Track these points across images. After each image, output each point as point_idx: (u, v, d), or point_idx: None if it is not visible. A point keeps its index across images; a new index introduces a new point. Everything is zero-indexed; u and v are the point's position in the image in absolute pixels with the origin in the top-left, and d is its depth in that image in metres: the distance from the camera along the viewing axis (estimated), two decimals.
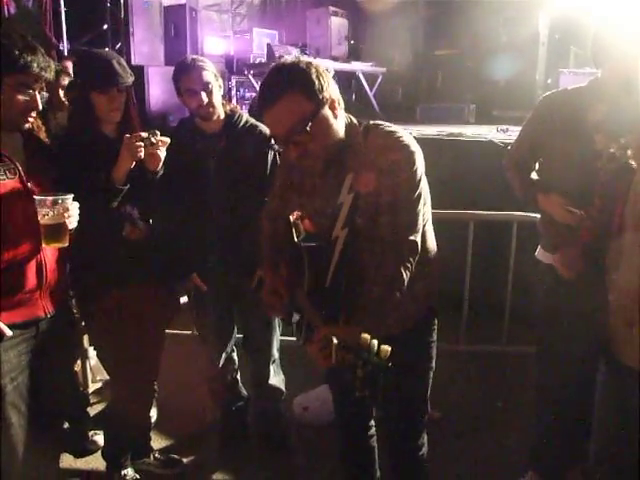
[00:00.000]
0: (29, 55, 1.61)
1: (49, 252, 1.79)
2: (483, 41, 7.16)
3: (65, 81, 3.01)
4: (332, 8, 7.98)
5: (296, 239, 1.66)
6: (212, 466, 2.62)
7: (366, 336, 1.22)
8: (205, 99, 2.25)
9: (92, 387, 3.12)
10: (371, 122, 1.65)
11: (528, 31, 6.50)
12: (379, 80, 7.98)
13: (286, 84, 1.46)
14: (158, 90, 6.11)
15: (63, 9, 6.58)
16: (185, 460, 2.62)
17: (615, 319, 1.57)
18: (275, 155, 2.41)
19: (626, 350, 1.56)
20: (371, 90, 7.69)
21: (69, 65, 4.12)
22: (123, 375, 2.23)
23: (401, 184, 1.54)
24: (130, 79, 2.04)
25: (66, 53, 6.48)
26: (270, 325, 2.57)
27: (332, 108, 1.52)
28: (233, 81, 7.89)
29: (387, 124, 1.64)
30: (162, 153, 2.03)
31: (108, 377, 2.47)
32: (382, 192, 1.54)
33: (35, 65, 1.62)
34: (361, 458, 2.11)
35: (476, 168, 3.91)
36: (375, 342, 1.21)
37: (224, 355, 2.62)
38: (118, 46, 7.16)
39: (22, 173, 1.72)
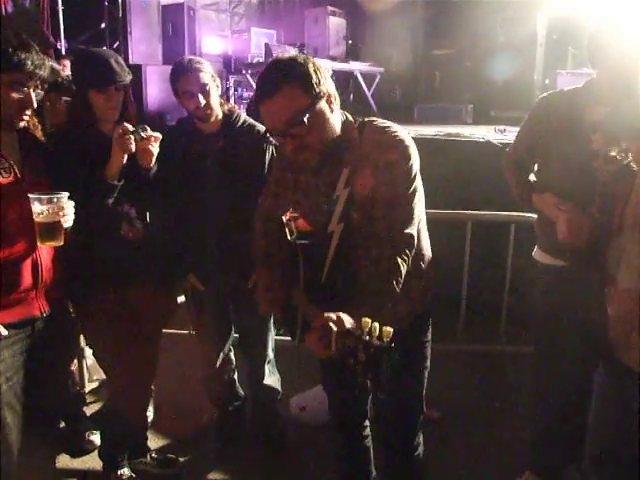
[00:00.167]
0: (23, 53, 1.60)
1: (45, 251, 1.78)
2: (481, 41, 7.17)
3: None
4: (330, 8, 7.99)
5: (289, 238, 1.66)
6: (209, 466, 2.61)
7: (367, 319, 1.20)
8: (202, 101, 2.24)
9: (88, 387, 3.11)
10: (366, 118, 1.66)
11: (526, 32, 6.51)
12: (377, 80, 7.99)
13: (283, 77, 1.47)
14: (156, 89, 6.11)
15: (61, 8, 6.57)
16: (182, 460, 2.61)
17: (615, 331, 1.57)
18: (273, 154, 2.41)
19: (625, 351, 1.56)
20: (369, 90, 7.70)
21: (67, 64, 4.11)
22: (120, 374, 2.22)
23: (397, 179, 1.55)
24: (128, 77, 2.04)
25: (64, 52, 6.47)
26: (265, 325, 2.57)
27: (329, 102, 1.54)
28: (231, 81, 7.89)
29: (382, 120, 1.66)
30: (155, 149, 2.03)
31: (105, 377, 2.46)
32: (378, 186, 1.55)
33: (29, 63, 1.61)
34: (356, 458, 2.11)
35: (474, 168, 3.92)
36: (377, 324, 1.19)
37: (221, 355, 2.61)
38: (116, 45, 7.15)
39: (17, 172, 1.72)
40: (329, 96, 1.54)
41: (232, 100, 7.54)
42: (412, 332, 1.81)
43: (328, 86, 1.53)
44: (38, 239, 1.70)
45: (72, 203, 1.73)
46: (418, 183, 1.62)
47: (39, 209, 1.67)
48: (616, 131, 1.72)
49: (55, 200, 1.68)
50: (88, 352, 2.92)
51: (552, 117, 2.07)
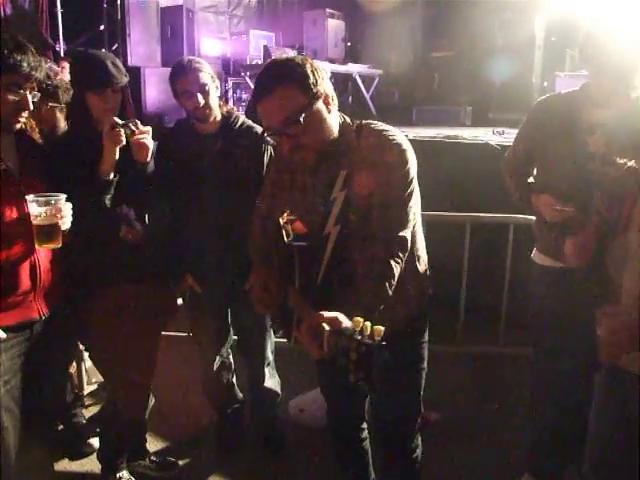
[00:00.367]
0: (19, 54, 1.60)
1: (43, 253, 1.78)
2: (480, 44, 7.17)
3: None
4: (329, 10, 8.00)
5: (286, 240, 1.66)
6: (208, 469, 2.60)
7: (358, 319, 1.21)
8: (202, 101, 2.24)
9: (87, 389, 3.11)
10: (364, 121, 1.67)
11: (524, 34, 6.52)
12: (375, 82, 7.99)
13: (280, 77, 1.49)
14: (154, 91, 6.11)
15: (59, 10, 6.56)
16: (181, 463, 2.61)
17: (604, 353, 1.56)
18: (271, 156, 2.41)
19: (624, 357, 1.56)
20: (367, 92, 7.70)
21: (66, 66, 4.11)
22: (119, 377, 2.22)
23: (393, 182, 1.56)
24: (124, 79, 2.04)
25: (62, 54, 6.46)
26: (264, 327, 2.57)
27: (326, 103, 1.55)
28: (230, 83, 7.89)
29: (379, 123, 1.66)
30: (149, 142, 2.04)
31: (103, 379, 2.45)
32: (374, 189, 1.56)
33: (25, 64, 1.61)
34: (355, 461, 2.11)
35: (473, 170, 3.92)
36: (368, 323, 1.20)
37: (220, 357, 2.61)
38: (115, 47, 7.14)
39: (15, 174, 1.71)
40: (326, 97, 1.54)
41: (231, 102, 7.54)
42: (409, 333, 1.81)
43: (326, 87, 1.54)
44: (36, 241, 1.70)
45: (70, 205, 1.73)
46: (415, 186, 1.62)
47: (37, 211, 1.66)
48: (618, 133, 1.72)
49: (53, 202, 1.68)
50: (87, 354, 2.91)
51: (550, 120, 2.08)
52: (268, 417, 2.75)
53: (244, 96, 8.06)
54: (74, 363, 2.96)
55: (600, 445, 1.69)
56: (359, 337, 1.19)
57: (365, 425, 2.06)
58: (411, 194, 1.60)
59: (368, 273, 1.50)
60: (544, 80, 6.41)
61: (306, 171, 1.68)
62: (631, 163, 1.57)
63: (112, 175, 1.97)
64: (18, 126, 1.72)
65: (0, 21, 5.40)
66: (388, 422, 1.94)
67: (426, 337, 1.88)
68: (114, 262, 2.08)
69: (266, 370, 2.63)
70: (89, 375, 3.13)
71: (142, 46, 6.69)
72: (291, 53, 6.99)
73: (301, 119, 1.48)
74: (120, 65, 2.06)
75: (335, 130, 1.60)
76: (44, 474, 2.01)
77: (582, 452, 1.79)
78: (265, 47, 7.47)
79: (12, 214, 1.68)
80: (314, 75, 1.50)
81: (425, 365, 1.89)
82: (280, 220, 1.64)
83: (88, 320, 2.12)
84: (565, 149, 2.02)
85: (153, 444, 2.71)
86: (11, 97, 1.64)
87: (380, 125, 1.65)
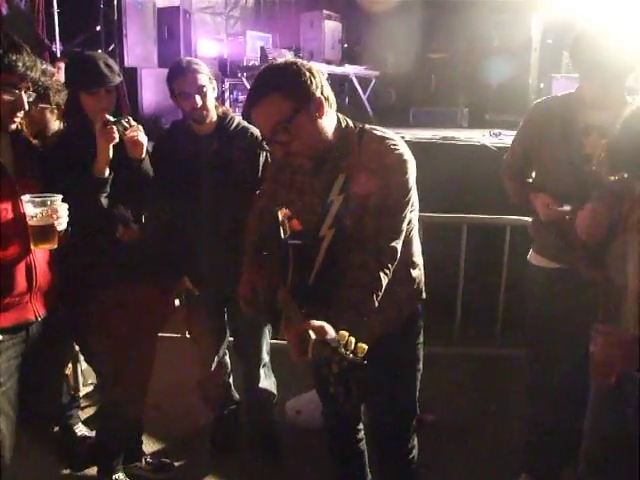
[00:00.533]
0: (14, 54, 1.59)
1: (40, 254, 1.77)
2: (476, 45, 7.19)
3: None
4: (326, 11, 8.01)
5: (283, 236, 1.66)
6: (204, 470, 2.60)
7: (344, 333, 1.22)
8: (199, 102, 2.24)
9: (83, 390, 3.10)
10: (366, 126, 1.67)
11: (521, 36, 6.53)
12: (372, 83, 8.00)
13: (267, 86, 1.50)
14: (151, 92, 6.09)
15: (56, 10, 6.55)
16: (177, 464, 2.60)
17: (596, 371, 1.56)
18: (267, 157, 2.41)
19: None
20: (364, 93, 7.71)
21: (62, 66, 4.10)
22: (115, 378, 2.21)
23: (391, 190, 1.56)
24: (117, 79, 2.05)
25: (59, 54, 6.45)
26: (260, 328, 2.56)
27: (318, 108, 1.53)
28: (226, 84, 7.88)
29: (381, 129, 1.66)
30: (142, 138, 2.04)
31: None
32: (372, 195, 1.55)
33: (20, 64, 1.60)
34: (351, 462, 2.11)
35: (469, 172, 3.92)
36: (353, 339, 1.21)
37: (216, 358, 2.60)
38: (111, 48, 7.12)
39: (11, 174, 1.70)
40: (319, 102, 1.53)
41: (227, 103, 7.54)
42: (403, 335, 1.82)
43: (318, 90, 1.52)
44: (32, 242, 1.69)
45: (66, 206, 1.72)
46: (412, 197, 1.63)
47: (32, 212, 1.66)
48: (606, 133, 1.73)
49: (49, 203, 1.68)
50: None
51: (546, 122, 2.09)
52: (264, 418, 2.74)
53: (241, 97, 8.05)
54: (70, 364, 2.95)
55: (596, 445, 1.69)
56: (343, 350, 1.20)
57: (361, 426, 2.07)
58: (407, 203, 1.60)
59: (356, 281, 1.50)
60: (540, 82, 6.43)
61: (306, 173, 1.68)
62: (627, 176, 1.56)
63: (107, 173, 1.97)
64: (14, 126, 1.71)
65: None
66: (383, 423, 1.94)
67: (421, 339, 1.88)
68: (111, 263, 2.08)
69: (262, 371, 2.63)
70: (85, 376, 3.12)
71: (139, 47, 6.68)
72: (288, 54, 7.00)
73: (287, 127, 1.49)
74: (113, 65, 2.07)
75: (329, 134, 1.58)
76: (39, 476, 2.00)
77: (579, 452, 1.80)
78: (262, 48, 7.47)
79: (7, 215, 1.67)
80: (305, 80, 1.50)
81: (420, 366, 1.89)
82: (279, 215, 1.64)
83: (85, 321, 2.11)
84: (561, 151, 2.03)
85: (149, 446, 2.71)
86: (6, 97, 1.63)
87: (382, 131, 1.64)
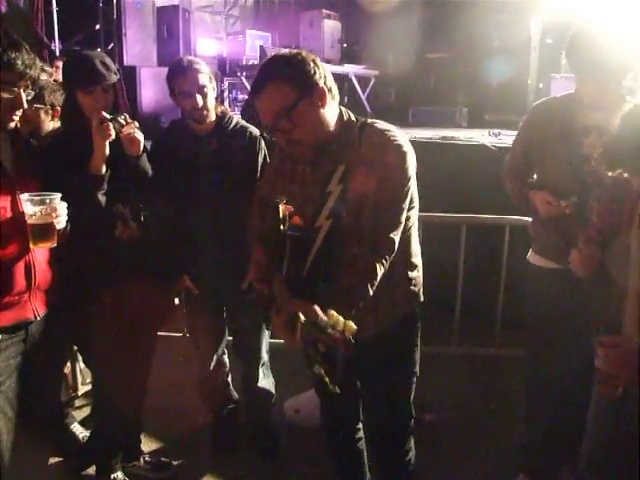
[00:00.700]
0: (13, 52, 1.57)
1: (39, 253, 1.76)
2: (476, 45, 7.18)
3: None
4: (325, 11, 8.01)
5: (282, 229, 1.66)
6: (203, 470, 2.59)
7: (333, 313, 1.23)
8: (200, 102, 2.24)
9: (82, 389, 3.09)
10: (369, 120, 1.68)
11: (520, 35, 6.52)
12: (372, 83, 8.00)
13: (271, 74, 1.52)
14: (150, 91, 6.09)
15: (55, 9, 6.55)
16: (175, 463, 2.59)
17: (602, 385, 1.56)
18: (265, 156, 2.41)
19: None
20: (364, 93, 7.71)
21: (60, 66, 4.10)
22: (114, 377, 2.20)
23: (390, 181, 1.56)
24: (114, 77, 2.06)
25: (58, 53, 6.44)
26: (259, 327, 2.56)
27: (320, 97, 1.55)
28: (226, 83, 7.88)
29: (383, 122, 1.67)
30: (139, 135, 2.05)
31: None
32: (370, 186, 1.56)
33: (19, 62, 1.58)
34: (349, 461, 2.10)
35: (468, 171, 3.92)
36: (341, 319, 1.22)
37: (215, 357, 2.60)
38: (110, 46, 7.12)
39: (9, 172, 1.70)
40: (321, 91, 1.54)
41: (227, 102, 7.54)
42: (398, 337, 1.81)
43: (321, 80, 1.54)
44: (31, 241, 1.68)
45: (65, 204, 1.72)
46: (412, 189, 1.63)
47: (31, 210, 1.65)
48: (615, 149, 1.72)
49: (48, 201, 1.67)
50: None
51: (546, 122, 2.10)
52: (262, 417, 2.74)
53: (240, 96, 8.06)
54: (68, 363, 2.94)
55: (598, 445, 1.69)
56: (331, 331, 1.21)
57: (360, 425, 2.06)
58: (406, 196, 1.60)
59: (351, 270, 1.50)
60: (540, 82, 6.43)
61: (307, 164, 1.69)
62: (626, 175, 1.56)
63: (104, 170, 1.98)
64: (12, 124, 1.70)
65: None
66: (379, 425, 1.94)
67: (418, 341, 1.88)
68: (110, 261, 2.08)
69: (260, 370, 2.63)
70: (83, 375, 3.12)
71: (138, 46, 6.68)
72: None
73: (290, 115, 1.50)
74: (110, 63, 2.08)
75: (331, 125, 1.60)
76: (38, 475, 1.99)
77: (578, 452, 1.80)
78: (261, 47, 7.47)
79: (6, 213, 1.66)
80: (309, 70, 1.52)
81: (416, 369, 1.88)
82: (280, 208, 1.63)
83: (84, 320, 2.11)
84: (561, 151, 2.04)
85: (148, 445, 2.70)
86: (5, 95, 1.62)
87: (383, 125, 1.65)
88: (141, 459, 2.56)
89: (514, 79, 6.59)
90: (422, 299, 1.86)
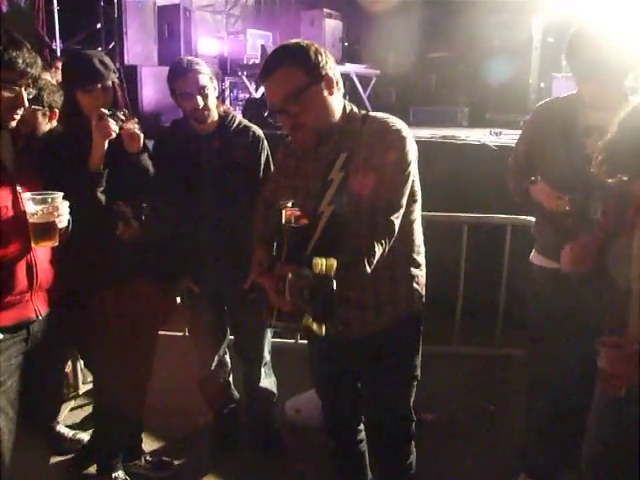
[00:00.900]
0: (14, 50, 1.57)
1: (41, 252, 1.76)
2: (477, 44, 7.17)
3: None
4: (326, 10, 7.99)
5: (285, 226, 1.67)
6: (204, 469, 2.59)
7: (317, 260, 1.27)
8: (201, 103, 2.24)
9: (83, 388, 3.10)
10: (370, 113, 1.72)
11: (522, 35, 6.52)
12: (373, 82, 7.99)
13: (284, 57, 1.58)
14: (151, 90, 6.09)
15: (56, 8, 6.55)
16: (176, 463, 2.60)
17: (604, 384, 1.56)
18: (268, 156, 2.41)
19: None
20: (365, 92, 7.70)
21: (59, 66, 4.10)
22: (115, 376, 2.20)
23: (389, 164, 1.59)
24: (112, 76, 2.07)
25: (59, 52, 6.45)
26: (262, 327, 2.56)
27: (328, 86, 1.60)
28: (227, 82, 7.88)
29: (384, 114, 1.71)
30: (139, 132, 2.06)
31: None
32: (371, 170, 1.59)
33: (20, 61, 1.58)
34: (351, 462, 2.10)
35: (470, 171, 3.92)
36: (323, 260, 1.26)
37: (216, 357, 2.60)
38: (111, 46, 7.13)
39: (10, 171, 1.70)
40: (330, 79, 1.60)
41: (228, 102, 7.53)
42: (400, 338, 1.81)
43: (330, 70, 1.60)
44: (32, 240, 1.68)
45: (67, 203, 1.72)
46: (414, 178, 1.66)
47: (33, 209, 1.65)
48: (616, 151, 1.72)
49: (49, 200, 1.67)
50: None
51: (549, 122, 2.10)
52: (264, 417, 2.74)
53: (241, 96, 8.06)
54: (69, 362, 2.94)
55: (598, 445, 1.69)
56: (314, 274, 1.26)
57: (362, 427, 2.05)
58: (407, 179, 1.62)
59: (349, 247, 1.51)
60: (541, 81, 6.42)
61: (310, 158, 1.70)
62: (626, 178, 1.56)
63: (102, 167, 1.98)
64: (14, 123, 1.70)
65: None
66: (379, 428, 1.94)
67: (419, 345, 1.88)
68: (111, 261, 2.07)
69: (262, 370, 2.62)
70: (84, 374, 3.12)
71: (139, 45, 6.67)
72: None
73: (300, 97, 1.54)
74: (108, 62, 2.09)
75: (337, 114, 1.64)
76: (39, 474, 1.99)
77: (578, 452, 1.80)
78: (262, 46, 7.46)
79: (8, 212, 1.66)
80: (318, 58, 1.57)
81: (417, 373, 1.88)
82: (283, 213, 1.63)
83: (85, 319, 2.11)
84: (563, 152, 2.03)
85: (149, 444, 2.70)
86: (6, 94, 1.61)
87: (384, 115, 1.69)
88: (142, 458, 2.56)
89: (515, 79, 6.59)
90: (424, 301, 1.85)
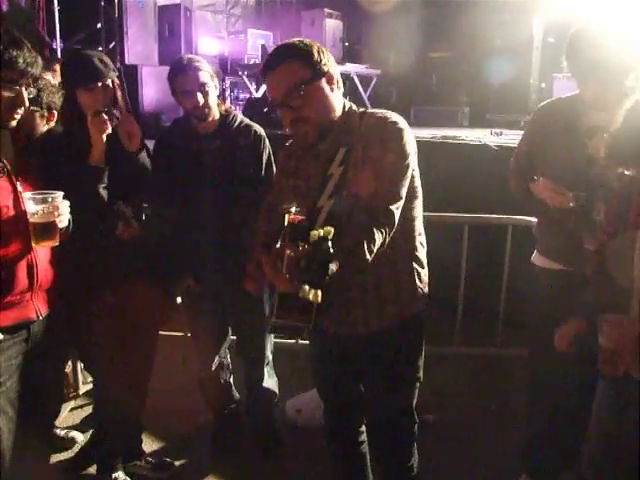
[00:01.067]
0: (14, 50, 1.56)
1: (41, 252, 1.75)
2: (478, 44, 7.17)
3: None
4: (327, 10, 8.00)
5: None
6: (204, 469, 2.59)
7: (314, 232, 1.26)
8: (201, 100, 2.24)
9: (83, 388, 3.09)
10: (368, 109, 1.75)
11: (522, 35, 6.52)
12: (373, 82, 7.99)
13: (287, 53, 1.61)
14: (152, 90, 6.09)
15: (56, 7, 6.54)
16: (177, 463, 2.59)
17: (606, 362, 1.55)
18: (269, 155, 2.41)
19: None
20: (365, 92, 7.70)
21: (57, 68, 4.09)
22: (116, 377, 2.20)
23: (387, 155, 1.60)
24: (112, 74, 2.08)
25: (59, 52, 6.44)
26: (264, 327, 2.55)
27: (329, 82, 1.63)
28: (227, 82, 7.88)
29: (382, 110, 1.73)
30: (137, 129, 2.08)
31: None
32: (370, 162, 1.61)
33: (21, 60, 1.57)
34: (353, 465, 2.09)
35: (470, 171, 3.92)
36: (320, 231, 1.25)
37: (217, 358, 2.60)
38: (112, 45, 7.12)
39: (10, 171, 1.69)
40: (331, 76, 1.63)
41: (228, 101, 7.53)
42: (403, 339, 1.80)
43: (331, 67, 1.63)
44: (33, 240, 1.68)
45: (67, 203, 1.71)
46: (414, 172, 1.67)
47: (33, 209, 1.65)
48: (619, 141, 1.71)
49: (50, 200, 1.66)
50: None
51: (551, 123, 2.09)
52: (265, 417, 2.74)
53: (241, 95, 8.06)
54: (69, 363, 2.94)
55: (600, 446, 1.68)
56: (309, 244, 1.26)
57: (363, 429, 2.04)
58: (406, 170, 1.63)
59: (349, 233, 1.50)
60: (542, 81, 6.42)
61: (310, 157, 1.71)
62: (629, 172, 1.55)
63: (103, 163, 1.99)
64: (14, 123, 1.69)
65: None
66: (380, 430, 1.93)
67: (422, 347, 1.87)
68: (112, 261, 2.07)
69: (265, 370, 2.62)
70: (84, 375, 3.11)
71: (139, 44, 6.68)
72: None
73: (301, 91, 1.56)
74: (108, 61, 2.10)
75: (337, 110, 1.66)
76: (39, 475, 1.99)
77: (579, 453, 1.79)
78: (263, 46, 7.47)
79: (8, 212, 1.66)
80: (320, 55, 1.60)
81: (420, 375, 1.87)
82: (285, 217, 1.63)
83: (85, 319, 2.10)
84: (564, 152, 2.03)
85: (149, 444, 2.70)
86: (7, 93, 1.61)
87: (382, 111, 1.71)
88: (142, 459, 2.56)
89: (516, 79, 6.60)
90: (426, 301, 1.85)
